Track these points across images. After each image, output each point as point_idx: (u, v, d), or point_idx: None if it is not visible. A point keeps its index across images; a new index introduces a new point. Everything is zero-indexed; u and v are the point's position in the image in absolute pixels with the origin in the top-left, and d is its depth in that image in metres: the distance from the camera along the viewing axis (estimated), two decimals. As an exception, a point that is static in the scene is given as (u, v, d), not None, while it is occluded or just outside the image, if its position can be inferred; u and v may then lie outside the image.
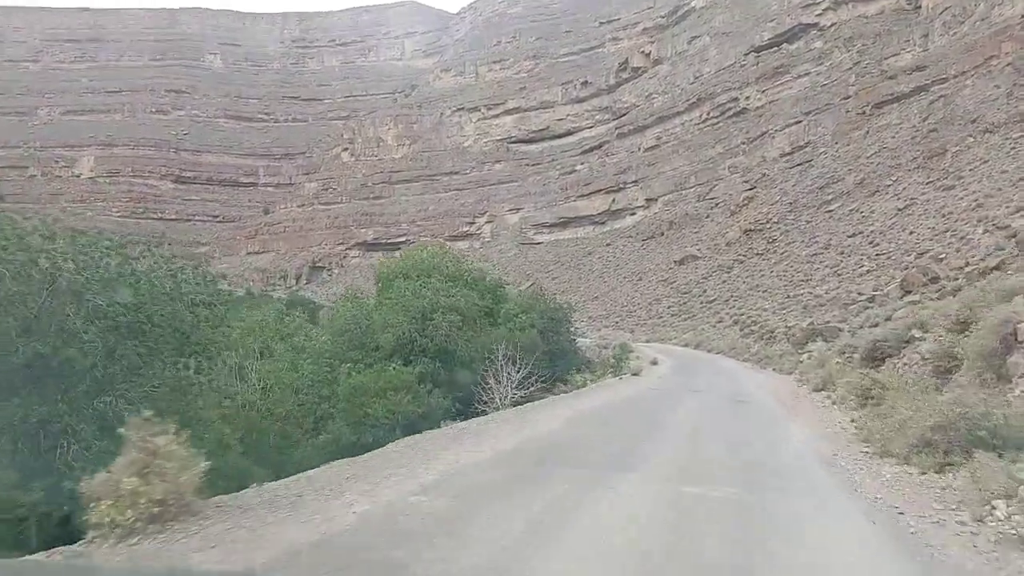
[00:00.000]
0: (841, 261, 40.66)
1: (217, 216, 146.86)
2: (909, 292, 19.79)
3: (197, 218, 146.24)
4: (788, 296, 38.94)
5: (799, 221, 59.04)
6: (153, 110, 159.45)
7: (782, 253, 54.28)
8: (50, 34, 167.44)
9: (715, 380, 21.68)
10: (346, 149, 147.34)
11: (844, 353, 18.46)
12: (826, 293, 32.22)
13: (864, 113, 73.82)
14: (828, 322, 23.55)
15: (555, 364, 22.46)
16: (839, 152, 70.68)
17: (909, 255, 30.95)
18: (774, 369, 25.45)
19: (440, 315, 18.82)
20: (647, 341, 44.75)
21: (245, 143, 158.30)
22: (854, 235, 45.17)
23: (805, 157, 78.13)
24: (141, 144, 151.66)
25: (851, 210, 51.50)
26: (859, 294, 26.00)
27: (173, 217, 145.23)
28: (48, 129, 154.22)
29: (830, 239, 48.46)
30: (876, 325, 18.56)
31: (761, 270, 53.00)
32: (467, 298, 20.33)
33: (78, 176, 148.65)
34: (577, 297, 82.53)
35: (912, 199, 43.73)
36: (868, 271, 33.48)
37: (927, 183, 45.15)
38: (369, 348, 18.81)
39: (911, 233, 36.52)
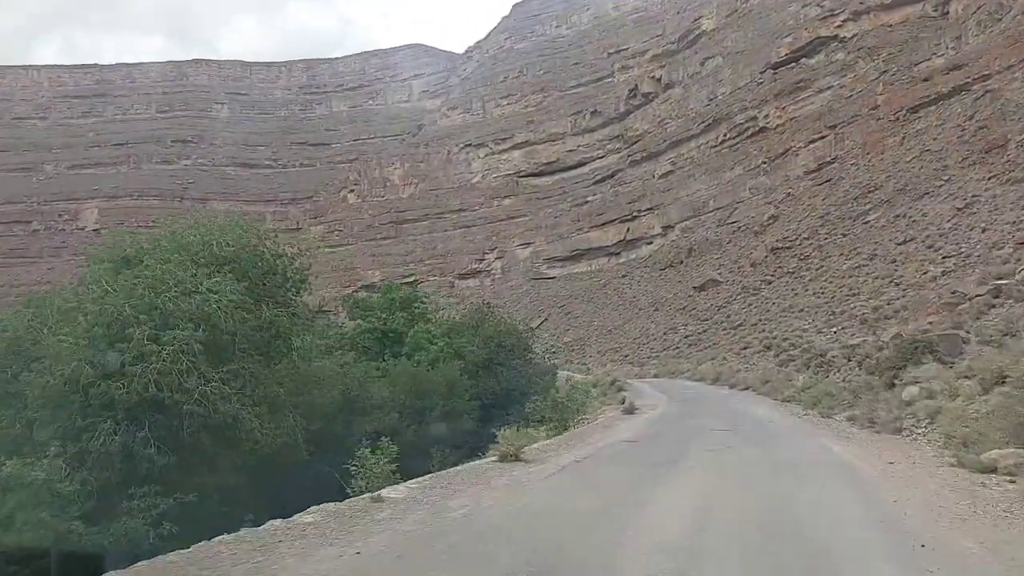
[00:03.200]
0: (896, 270, 34.13)
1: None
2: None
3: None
4: (833, 313, 32.34)
5: (834, 235, 52.53)
6: (159, 161, 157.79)
7: (817, 269, 47.73)
8: (57, 91, 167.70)
9: (725, 490, 9.42)
10: (352, 191, 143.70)
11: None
12: (888, 304, 25.69)
13: (897, 119, 67.80)
14: (927, 331, 15.78)
15: (499, 412, 15.78)
16: (872, 162, 64.44)
17: (1000, 248, 24.54)
18: (849, 419, 15.08)
19: (144, 330, 9.65)
20: (655, 375, 37.97)
21: (252, 189, 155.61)
22: (905, 242, 38.74)
23: (833, 171, 71.88)
24: (146, 194, 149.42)
25: (896, 216, 45.10)
26: (956, 292, 19.11)
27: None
28: (53, 184, 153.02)
29: (875, 249, 42.03)
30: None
31: (794, 289, 46.44)
32: (236, 297, 10.61)
33: (82, 229, 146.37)
34: (591, 331, 76.31)
35: (974, 196, 37.38)
36: (944, 272, 27.01)
37: (989, 178, 38.83)
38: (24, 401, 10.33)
39: (984, 231, 30.08)
